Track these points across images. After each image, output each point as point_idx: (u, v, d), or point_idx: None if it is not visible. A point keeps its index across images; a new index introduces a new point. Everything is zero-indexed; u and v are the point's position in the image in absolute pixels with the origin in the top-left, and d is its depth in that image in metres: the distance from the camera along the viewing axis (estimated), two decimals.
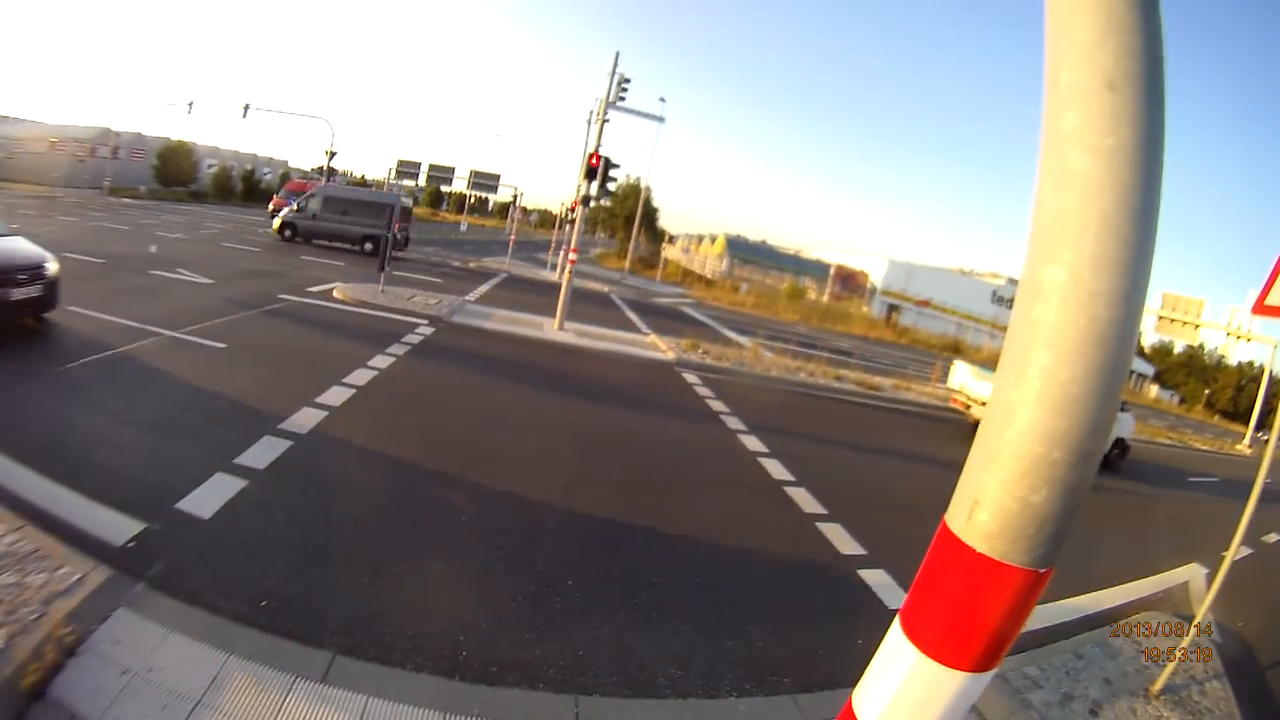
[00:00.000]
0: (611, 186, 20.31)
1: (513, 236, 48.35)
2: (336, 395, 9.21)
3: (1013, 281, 79.66)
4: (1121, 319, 1.49)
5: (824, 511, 8.45)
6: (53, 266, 10.36)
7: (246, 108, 46.02)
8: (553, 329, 18.78)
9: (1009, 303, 74.04)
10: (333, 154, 46.90)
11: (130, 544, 4.98)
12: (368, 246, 30.73)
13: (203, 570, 4.85)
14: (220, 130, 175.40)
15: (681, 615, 5.58)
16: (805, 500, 8.74)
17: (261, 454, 6.92)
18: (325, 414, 8.43)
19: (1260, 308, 5.81)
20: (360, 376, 10.35)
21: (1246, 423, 46.06)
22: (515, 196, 55.70)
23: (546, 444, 9.28)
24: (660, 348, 19.27)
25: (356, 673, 4.14)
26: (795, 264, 73.30)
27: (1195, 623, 6.01)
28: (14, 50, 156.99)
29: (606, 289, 38.52)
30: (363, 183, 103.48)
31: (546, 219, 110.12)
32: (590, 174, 18.75)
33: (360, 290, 18.66)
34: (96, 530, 5.05)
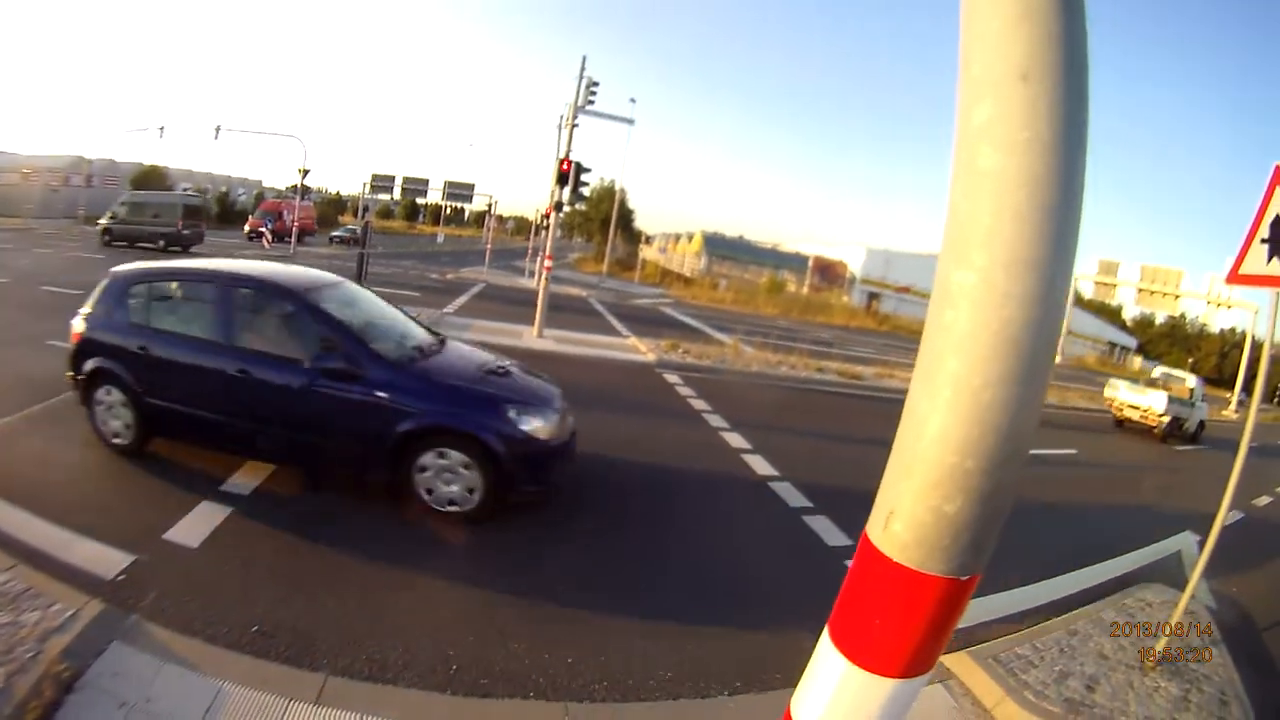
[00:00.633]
0: (585, 190, 20.42)
1: (489, 246, 48.40)
2: None
3: None
4: (1038, 321, 1.45)
5: (809, 505, 8.54)
6: None
7: (218, 129, 45.79)
8: (532, 337, 18.82)
9: None
10: (306, 172, 46.61)
11: (120, 577, 5.03)
12: (161, 243, 33.15)
13: (193, 599, 4.90)
14: (193, 153, 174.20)
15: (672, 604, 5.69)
16: (790, 494, 8.85)
17: (247, 480, 6.97)
18: None
19: (1234, 277, 5.82)
20: None
21: (1231, 388, 46.48)
22: (490, 205, 55.71)
23: None
24: (640, 350, 19.37)
25: (351, 692, 4.20)
26: (774, 258, 73.37)
27: (1187, 591, 6.03)
28: None
29: (585, 294, 38.58)
30: (337, 199, 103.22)
31: (523, 226, 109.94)
32: (562, 179, 18.79)
33: None
34: (87, 565, 5.09)
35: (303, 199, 51.02)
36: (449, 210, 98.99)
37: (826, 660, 1.78)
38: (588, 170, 19.47)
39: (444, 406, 6.68)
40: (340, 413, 6.60)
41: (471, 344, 9.10)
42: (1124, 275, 52.43)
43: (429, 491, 6.62)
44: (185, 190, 69.58)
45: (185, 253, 31.80)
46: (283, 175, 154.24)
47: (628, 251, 69.85)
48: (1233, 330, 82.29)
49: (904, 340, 42.61)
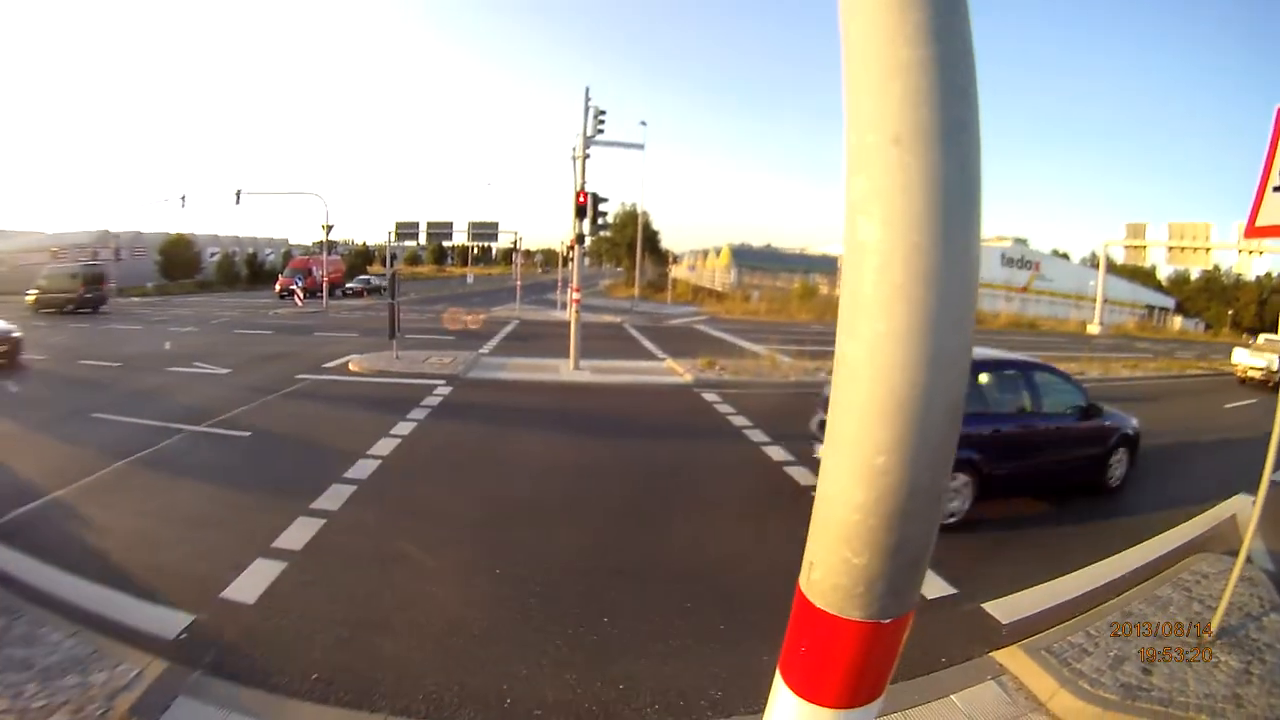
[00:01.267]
0: (605, 220, 20.56)
1: (519, 282, 48.73)
2: (363, 468, 9.47)
3: (1019, 242, 79.32)
4: (927, 387, 1.49)
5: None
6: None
7: (239, 194, 46.43)
8: (569, 370, 18.93)
9: (1019, 263, 73.83)
10: (330, 228, 47.30)
11: (182, 635, 5.24)
12: (70, 307, 36.22)
13: (253, 652, 5.09)
14: (217, 218, 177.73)
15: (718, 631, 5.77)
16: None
17: (297, 535, 7.17)
18: (354, 488, 8.67)
19: (1253, 230, 5.65)
20: (385, 446, 10.60)
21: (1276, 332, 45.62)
22: (515, 242, 56.08)
23: (567, 489, 9.28)
24: (677, 371, 19.35)
25: None
26: (803, 262, 72.83)
27: (1240, 556, 5.81)
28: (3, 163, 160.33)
29: (619, 319, 38.68)
30: (364, 250, 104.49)
31: (551, 258, 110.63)
32: (580, 212, 18.94)
33: (375, 360, 19.07)
34: (149, 626, 5.31)
35: (330, 254, 51.78)
36: (476, 250, 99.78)
37: (779, 696, 1.89)
38: (605, 200, 19.64)
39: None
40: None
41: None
42: (1152, 235, 51.55)
43: None
44: (212, 254, 71.36)
45: (94, 313, 34.52)
46: (308, 231, 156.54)
47: (658, 273, 69.72)
48: (1269, 275, 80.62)
49: None
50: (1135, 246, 53.39)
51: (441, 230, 46.51)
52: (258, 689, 4.68)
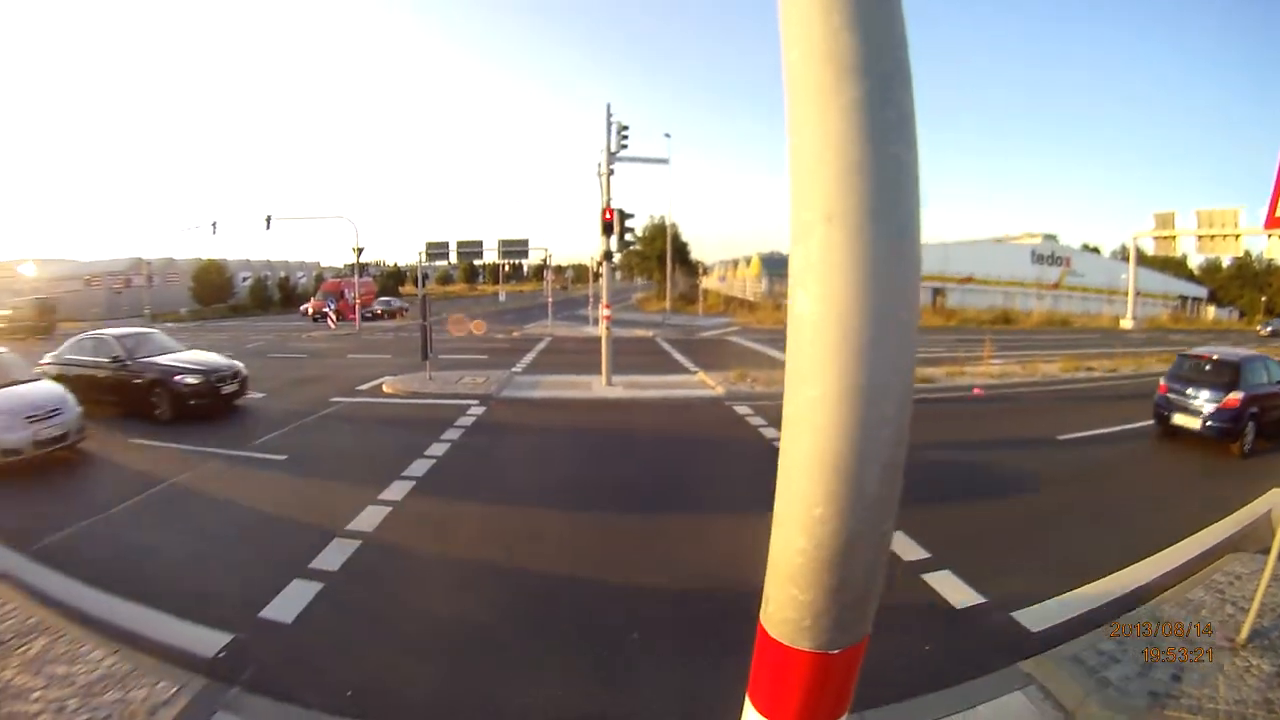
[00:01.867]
0: (632, 234, 20.65)
1: (550, 299, 48.95)
2: (399, 489, 9.61)
3: (1049, 238, 78.60)
4: (861, 449, 1.60)
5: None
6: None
7: (269, 219, 47.09)
8: (601, 386, 18.98)
9: (1049, 260, 73.16)
10: (360, 250, 47.79)
11: (221, 654, 5.40)
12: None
13: (291, 670, 5.25)
14: (248, 243, 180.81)
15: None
16: None
17: (333, 556, 7.32)
18: (390, 509, 8.82)
19: (1273, 221, 5.60)
20: (419, 467, 10.75)
21: None
22: (545, 259, 56.32)
23: (598, 508, 9.28)
24: (709, 384, 19.30)
25: None
26: None
27: (1272, 555, 5.65)
28: (35, 194, 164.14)
29: (651, 333, 38.70)
30: (396, 271, 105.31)
31: (582, 274, 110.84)
32: (607, 229, 19.05)
33: (409, 381, 19.31)
34: (189, 645, 5.49)
35: (361, 276, 52.30)
36: (507, 268, 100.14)
37: (748, 718, 2.03)
38: (630, 215, 19.73)
39: None
40: None
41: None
42: (1181, 224, 50.98)
43: None
44: (244, 279, 72.51)
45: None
46: (339, 253, 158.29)
47: (688, 285, 69.58)
48: None
49: (972, 333, 41.78)
50: (1164, 237, 52.86)
51: (472, 249, 46.77)
52: (294, 704, 4.82)
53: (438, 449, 11.96)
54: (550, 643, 5.83)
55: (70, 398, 11.93)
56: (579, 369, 21.83)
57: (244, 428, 13.99)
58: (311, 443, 12.82)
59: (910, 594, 6.69)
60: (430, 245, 44.68)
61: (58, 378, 13.89)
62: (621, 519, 8.86)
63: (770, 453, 12.00)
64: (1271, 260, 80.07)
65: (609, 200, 19.62)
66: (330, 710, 4.79)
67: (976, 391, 18.77)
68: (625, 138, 20.39)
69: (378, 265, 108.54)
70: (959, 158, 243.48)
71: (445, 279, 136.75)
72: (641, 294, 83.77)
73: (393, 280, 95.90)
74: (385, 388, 18.78)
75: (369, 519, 8.43)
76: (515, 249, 48.10)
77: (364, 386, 19.19)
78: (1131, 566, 7.38)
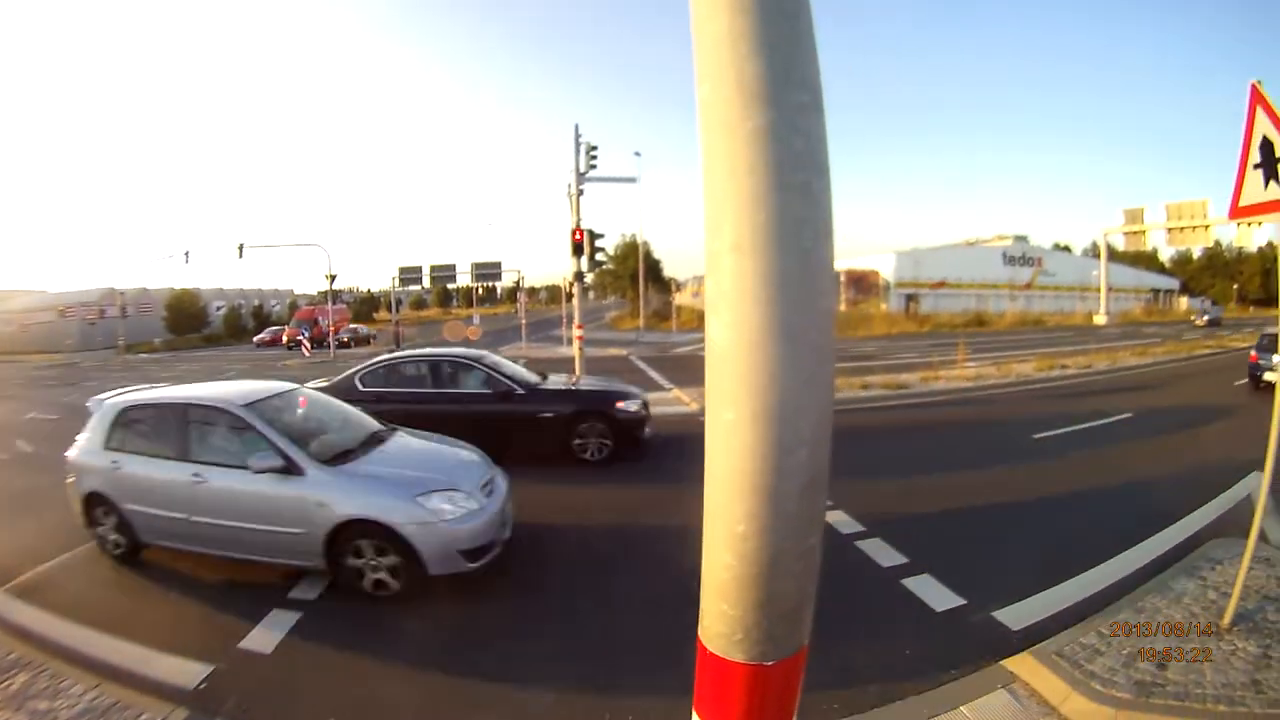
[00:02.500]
0: (604, 254, 20.80)
1: (523, 320, 48.94)
2: None
3: (1020, 239, 79.48)
4: (775, 465, 1.63)
5: (862, 529, 8.44)
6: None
7: (241, 248, 46.88)
8: None
9: (1021, 260, 73.98)
10: (333, 277, 47.64)
11: (202, 685, 5.40)
12: None
13: (272, 700, 5.26)
14: (221, 272, 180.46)
15: None
16: (841, 522, 8.68)
17: (311, 586, 7.25)
18: None
19: (1236, 211, 5.56)
20: None
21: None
22: (518, 280, 56.36)
23: (572, 528, 9.19)
24: (684, 400, 19.26)
25: None
26: None
27: (1251, 537, 5.71)
28: (6, 224, 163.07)
29: (625, 351, 38.80)
30: (369, 297, 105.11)
31: (556, 294, 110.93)
32: (577, 250, 19.17)
33: None
34: (169, 678, 5.48)
35: (334, 303, 52.18)
36: (480, 290, 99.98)
37: None
38: (601, 235, 19.89)
39: None
40: None
41: None
42: (1151, 219, 51.73)
43: None
44: (218, 308, 72.47)
45: None
46: (313, 280, 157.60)
47: (662, 302, 69.79)
48: (1271, 245, 79.96)
49: (946, 337, 42.22)
50: (1134, 232, 53.62)
51: (445, 273, 46.90)
52: None
53: None
54: (517, 664, 5.82)
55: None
56: None
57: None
58: None
59: (890, 599, 6.76)
60: (403, 270, 44.78)
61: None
62: (594, 537, 8.83)
63: None
64: (1242, 249, 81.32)
65: (579, 220, 19.75)
66: None
67: None
68: (594, 158, 20.51)
69: (351, 291, 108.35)
70: (928, 160, 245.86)
71: (419, 303, 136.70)
72: (615, 313, 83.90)
73: (367, 306, 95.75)
74: None
75: None
76: (488, 271, 48.29)
77: None
78: (1112, 559, 7.45)
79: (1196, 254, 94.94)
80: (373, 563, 6.85)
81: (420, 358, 13.21)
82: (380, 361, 13.00)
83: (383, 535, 6.75)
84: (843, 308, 65.37)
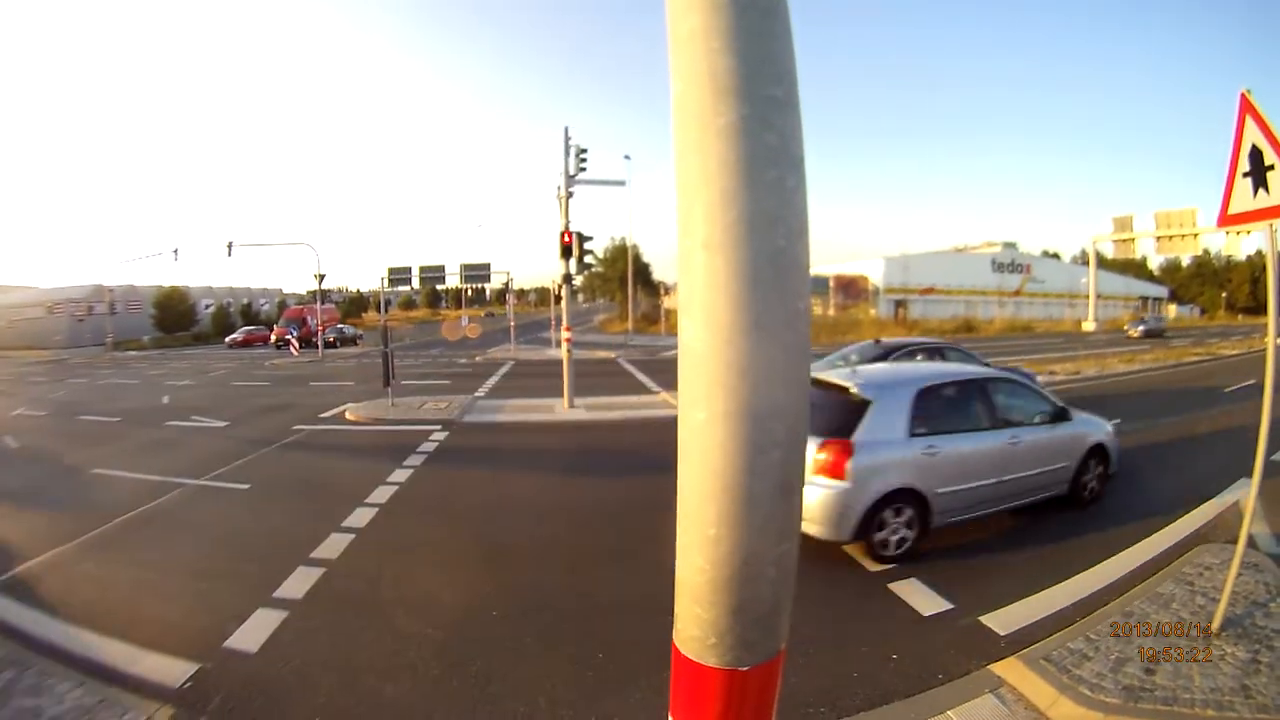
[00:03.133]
0: (592, 257, 20.81)
1: (512, 322, 48.97)
2: (361, 516, 9.57)
3: (1009, 246, 79.84)
4: (748, 466, 1.60)
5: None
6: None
7: (230, 246, 46.59)
8: (563, 409, 19.02)
9: (1010, 267, 74.28)
10: (322, 277, 47.54)
11: (187, 684, 5.41)
12: None
13: (257, 699, 5.26)
14: (210, 270, 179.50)
15: None
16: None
17: (298, 584, 7.32)
18: (353, 536, 8.78)
19: (1225, 219, 5.59)
20: (382, 494, 10.70)
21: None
22: (507, 283, 56.34)
23: (561, 530, 9.24)
24: (671, 403, 19.12)
25: None
26: None
27: (1240, 542, 5.72)
28: None
29: (613, 354, 38.90)
30: (358, 297, 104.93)
31: (545, 296, 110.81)
32: (566, 252, 19.14)
33: (371, 408, 19.32)
34: (154, 676, 5.50)
35: (323, 303, 52.09)
36: (469, 292, 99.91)
37: None
38: (590, 239, 19.89)
39: None
40: None
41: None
42: (1140, 227, 52.05)
43: None
44: (206, 306, 72.44)
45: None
46: (302, 279, 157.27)
47: (651, 305, 69.78)
48: (1259, 253, 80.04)
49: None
50: (1123, 240, 53.88)
51: (434, 274, 46.70)
52: None
53: (401, 475, 11.94)
54: (510, 659, 5.87)
55: None
56: (541, 392, 21.95)
57: None
58: (275, 471, 12.81)
59: (875, 603, 6.79)
60: (392, 270, 44.58)
61: None
62: (581, 540, 8.86)
63: None
64: (1230, 257, 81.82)
65: (568, 223, 19.70)
66: None
67: None
68: (584, 161, 20.47)
69: (340, 291, 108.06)
70: (918, 166, 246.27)
71: (408, 304, 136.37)
72: (604, 315, 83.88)
73: (355, 306, 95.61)
74: (348, 414, 18.78)
75: (332, 547, 8.40)
76: (477, 273, 48.12)
77: (327, 414, 19.19)
78: (1101, 564, 7.49)
79: (1186, 262, 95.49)
80: (1096, 472, 9.62)
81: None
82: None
83: (1099, 453, 9.64)
84: (831, 312, 65.65)
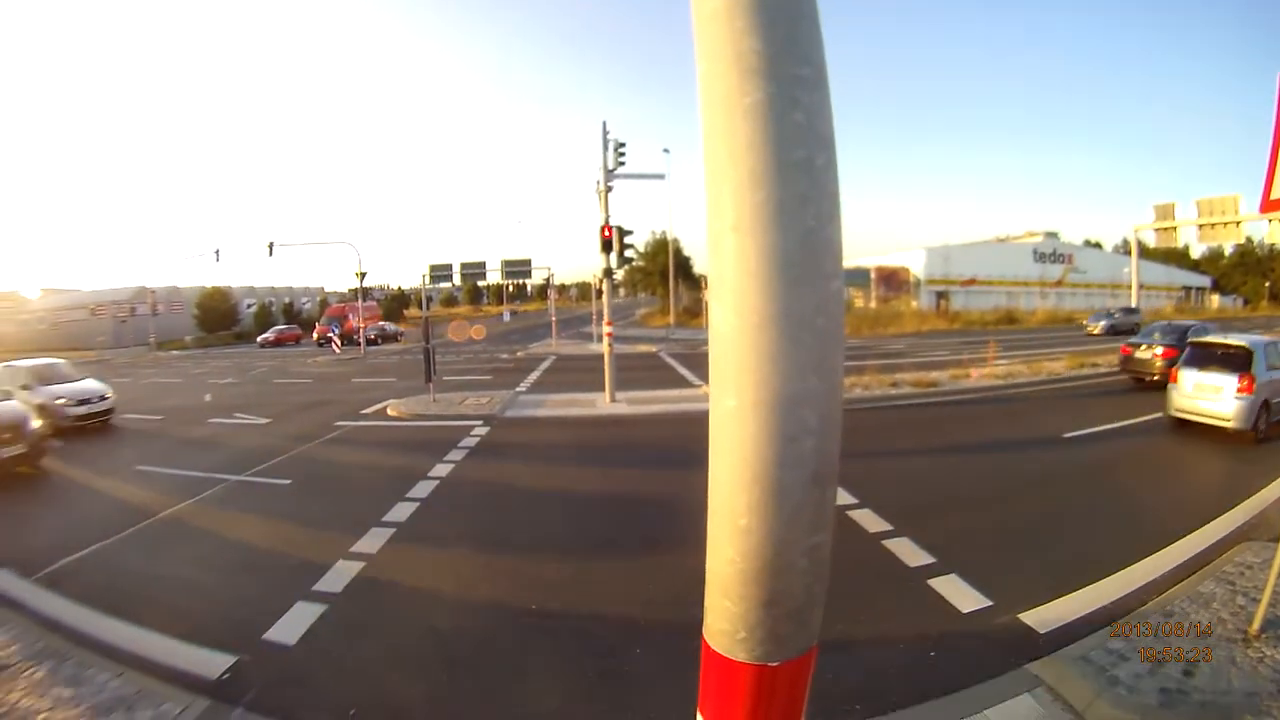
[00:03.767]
0: (632, 251, 20.70)
1: (553, 318, 49.12)
2: (402, 510, 9.64)
3: (1050, 235, 78.68)
4: (778, 456, 1.56)
5: (889, 528, 8.38)
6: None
7: (271, 246, 47.11)
8: (605, 403, 18.99)
9: (1051, 257, 73.21)
10: (363, 275, 47.90)
11: (225, 676, 5.46)
12: None
13: (293, 690, 5.30)
14: (251, 269, 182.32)
15: None
16: (867, 519, 8.73)
17: (337, 578, 7.37)
18: (393, 530, 8.84)
19: (1268, 204, 5.51)
20: (423, 489, 10.77)
21: None
22: (548, 278, 56.53)
23: (600, 525, 9.24)
24: None
25: None
26: None
27: None
28: (40, 223, 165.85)
29: (655, 348, 38.80)
30: (400, 294, 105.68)
31: (586, 291, 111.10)
32: (606, 247, 19.10)
33: (413, 404, 19.45)
34: (192, 668, 5.56)
35: (365, 300, 52.53)
36: (510, 288, 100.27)
37: None
38: (630, 232, 19.78)
39: None
40: None
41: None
42: (1181, 215, 50.79)
43: None
44: (248, 306, 73.57)
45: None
46: (343, 277, 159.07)
47: (692, 299, 69.53)
48: None
49: (976, 335, 41.82)
50: (1165, 228, 52.74)
51: (475, 270, 47.09)
52: None
53: (442, 470, 12.03)
54: (548, 658, 5.85)
55: None
56: (582, 387, 21.95)
57: None
58: (316, 467, 12.94)
59: (915, 599, 6.68)
60: (434, 267, 44.96)
61: None
62: (621, 535, 8.84)
63: None
64: (1273, 245, 79.93)
65: (607, 217, 19.66)
66: None
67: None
68: (622, 155, 20.39)
69: (381, 289, 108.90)
70: (958, 157, 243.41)
71: (450, 300, 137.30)
72: (645, 310, 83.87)
73: (397, 303, 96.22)
74: (390, 410, 18.91)
75: (372, 541, 8.45)
76: (518, 269, 48.43)
77: (369, 410, 19.34)
78: (1140, 562, 7.31)
79: (1228, 251, 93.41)
80: None
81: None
82: None
83: None
84: (873, 304, 65.04)
